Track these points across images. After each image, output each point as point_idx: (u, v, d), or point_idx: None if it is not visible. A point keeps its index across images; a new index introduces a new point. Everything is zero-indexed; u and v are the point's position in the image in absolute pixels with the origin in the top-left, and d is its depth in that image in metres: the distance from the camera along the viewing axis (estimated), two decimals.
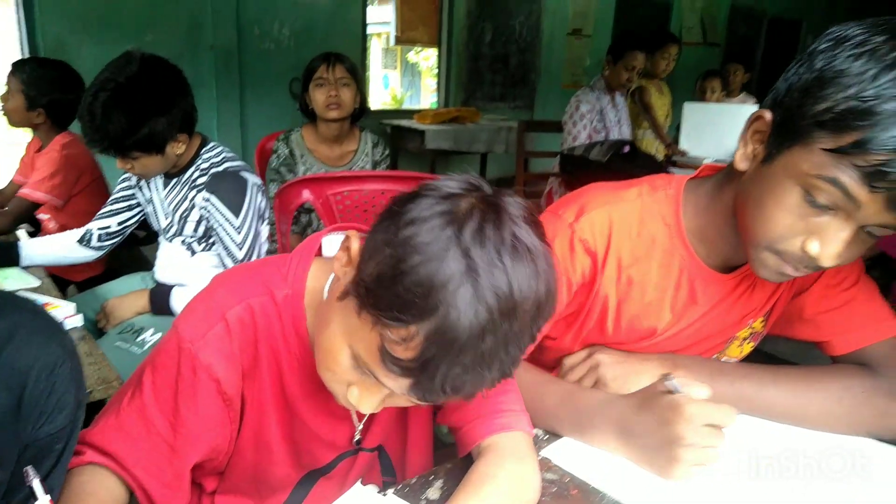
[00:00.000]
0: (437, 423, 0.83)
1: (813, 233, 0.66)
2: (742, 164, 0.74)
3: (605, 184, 0.91)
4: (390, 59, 13.30)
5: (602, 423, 0.77)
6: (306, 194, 1.58)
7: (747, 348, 0.95)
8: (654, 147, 3.87)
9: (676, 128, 4.05)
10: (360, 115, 2.19)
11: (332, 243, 0.77)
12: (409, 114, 5.53)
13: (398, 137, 5.12)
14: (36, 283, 1.38)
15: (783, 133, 0.67)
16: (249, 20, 4.60)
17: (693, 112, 3.84)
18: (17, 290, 1.33)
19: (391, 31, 9.03)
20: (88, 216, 1.68)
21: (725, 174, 0.81)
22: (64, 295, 1.48)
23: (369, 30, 11.85)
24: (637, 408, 0.75)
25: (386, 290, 0.52)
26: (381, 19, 10.54)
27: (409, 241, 0.51)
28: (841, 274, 0.87)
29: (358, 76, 2.11)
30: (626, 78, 3.22)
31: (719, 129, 3.76)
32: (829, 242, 0.66)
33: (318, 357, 0.65)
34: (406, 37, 7.99)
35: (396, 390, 0.57)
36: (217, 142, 1.56)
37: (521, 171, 3.84)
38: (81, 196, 2.06)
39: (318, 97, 2.05)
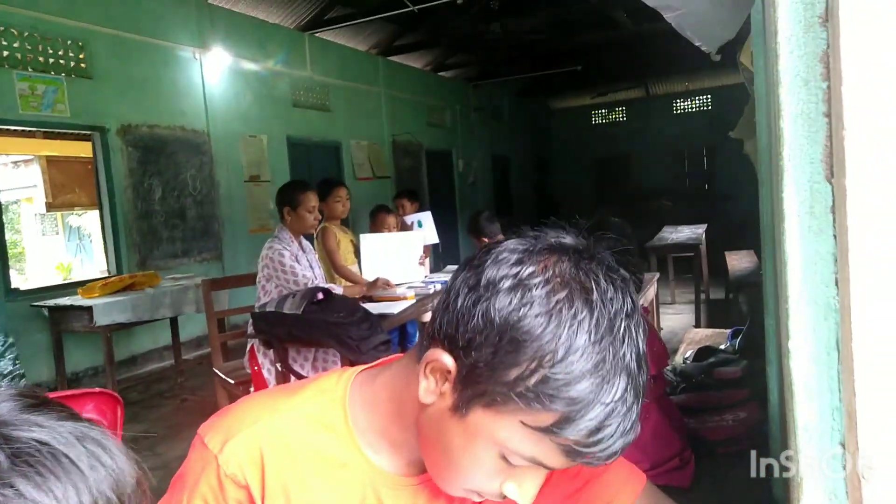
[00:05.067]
0: None
1: (509, 477, 0.65)
2: (427, 398, 0.66)
3: (263, 394, 0.78)
4: (49, 225, 11.72)
5: None
6: None
7: None
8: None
9: None
10: None
11: None
12: (74, 287, 4.77)
13: (61, 320, 4.31)
14: None
15: (474, 390, 0.61)
16: None
17: (370, 243, 4.04)
18: None
19: (40, 195, 7.98)
20: None
21: (401, 374, 0.72)
22: None
23: (12, 195, 10.32)
24: None
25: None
26: (27, 182, 9.29)
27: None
28: None
29: None
30: (312, 219, 3.22)
31: (397, 256, 4.02)
32: (526, 488, 0.65)
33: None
34: (60, 201, 7.10)
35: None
36: None
37: (214, 334, 3.51)
38: None
39: None
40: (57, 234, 11.65)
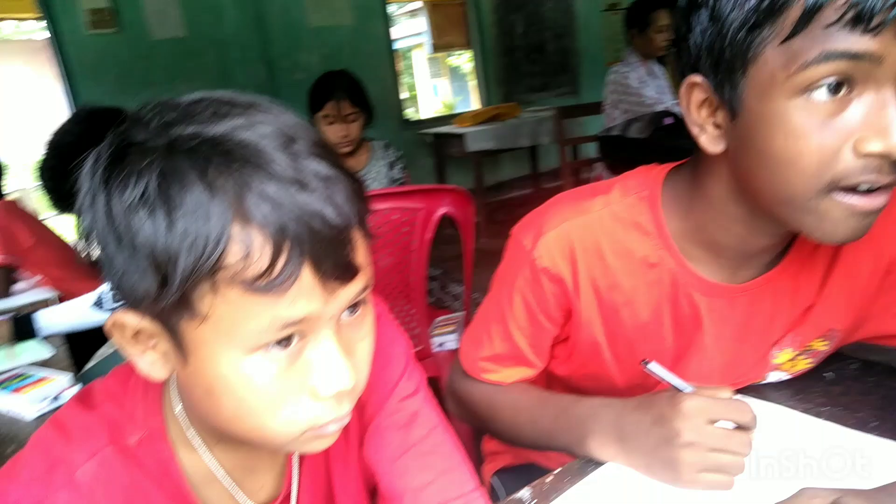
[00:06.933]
0: None
1: (857, 129, 0.50)
2: (716, 147, 0.59)
3: (570, 194, 0.77)
4: (436, 68, 13.30)
5: (598, 428, 0.67)
6: None
7: (802, 364, 0.77)
8: None
9: None
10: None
11: None
12: (451, 119, 5.45)
13: (441, 145, 5.05)
14: (48, 354, 1.37)
15: (728, 74, 0.54)
16: (277, 55, 4.65)
17: None
18: (30, 363, 1.32)
19: (427, 39, 9.05)
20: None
21: (698, 161, 0.66)
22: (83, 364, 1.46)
23: (409, 42, 11.89)
24: (634, 407, 0.65)
25: None
26: (417, 30, 10.57)
27: None
28: None
29: (364, 101, 2.13)
30: (661, 39, 2.98)
31: None
32: (883, 126, 0.49)
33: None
34: (442, 43, 7.95)
35: None
36: None
37: (565, 161, 3.68)
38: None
39: (329, 134, 2.09)
40: (442, 76, 13.22)
